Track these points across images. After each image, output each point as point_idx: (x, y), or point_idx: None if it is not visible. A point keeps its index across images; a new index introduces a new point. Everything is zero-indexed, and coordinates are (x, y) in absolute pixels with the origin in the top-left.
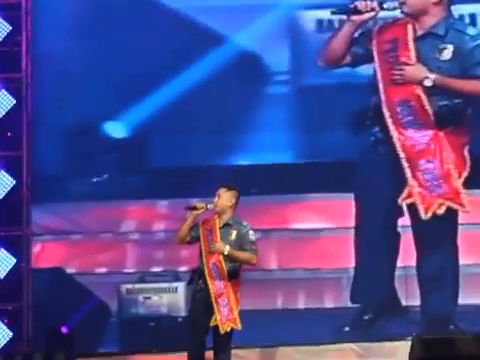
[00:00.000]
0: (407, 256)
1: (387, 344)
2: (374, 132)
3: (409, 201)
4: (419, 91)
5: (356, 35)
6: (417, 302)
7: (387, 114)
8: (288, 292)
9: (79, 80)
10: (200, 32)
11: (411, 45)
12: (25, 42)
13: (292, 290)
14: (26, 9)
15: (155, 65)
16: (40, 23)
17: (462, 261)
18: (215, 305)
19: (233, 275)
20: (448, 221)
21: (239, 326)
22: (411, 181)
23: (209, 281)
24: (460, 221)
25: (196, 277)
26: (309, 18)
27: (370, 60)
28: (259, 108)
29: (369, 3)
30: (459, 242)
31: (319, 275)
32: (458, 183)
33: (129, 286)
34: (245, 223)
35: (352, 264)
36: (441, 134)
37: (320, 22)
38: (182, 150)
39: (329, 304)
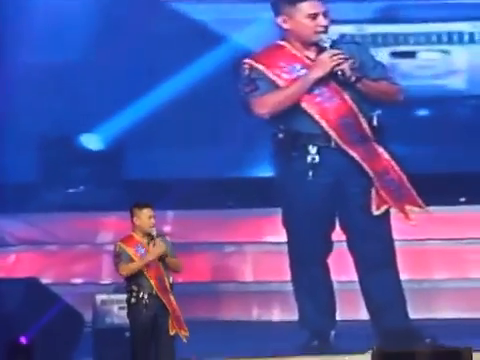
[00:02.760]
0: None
1: (347, 357)
2: (311, 153)
3: (384, 208)
4: (350, 104)
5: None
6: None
7: (332, 133)
8: (263, 304)
9: (52, 91)
10: (183, 41)
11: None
12: None
13: (267, 302)
14: None
15: (132, 77)
16: (12, 33)
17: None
18: (172, 317)
19: (171, 287)
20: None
21: (187, 333)
22: (382, 192)
23: (160, 295)
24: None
25: (140, 295)
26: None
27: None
28: (237, 121)
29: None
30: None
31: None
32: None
33: (104, 297)
34: (162, 234)
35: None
36: (376, 146)
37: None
38: (158, 162)
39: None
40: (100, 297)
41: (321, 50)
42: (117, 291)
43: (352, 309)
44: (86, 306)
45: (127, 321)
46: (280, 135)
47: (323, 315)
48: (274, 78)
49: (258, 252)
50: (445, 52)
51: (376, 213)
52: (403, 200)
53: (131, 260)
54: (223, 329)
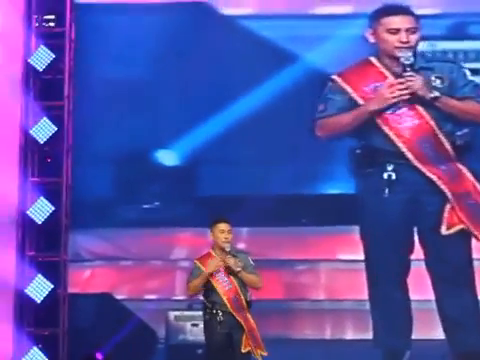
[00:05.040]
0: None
1: None
2: (388, 171)
3: (456, 229)
4: (432, 124)
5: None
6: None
7: (409, 153)
8: (336, 322)
9: (129, 107)
10: (258, 58)
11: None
12: (68, 70)
13: (340, 320)
14: (70, 37)
15: (207, 94)
16: (84, 51)
17: None
18: (247, 335)
19: (249, 305)
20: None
21: (265, 352)
22: (460, 213)
23: (235, 312)
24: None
25: (214, 311)
26: None
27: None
28: (310, 137)
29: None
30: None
31: (367, 306)
32: None
33: (177, 313)
34: (240, 249)
35: None
36: (459, 166)
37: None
38: (233, 178)
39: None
40: (173, 313)
41: (403, 67)
42: (190, 308)
43: (427, 328)
44: (159, 322)
45: (200, 338)
46: (358, 151)
47: (397, 335)
48: (357, 98)
49: (331, 270)
50: None
51: (445, 233)
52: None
53: None
54: (296, 347)
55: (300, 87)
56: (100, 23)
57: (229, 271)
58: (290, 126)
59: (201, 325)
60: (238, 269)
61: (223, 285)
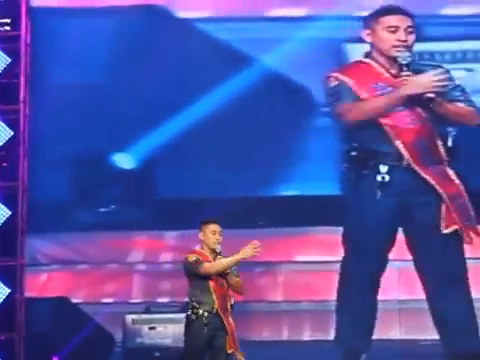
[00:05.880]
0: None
1: None
2: (382, 173)
3: (453, 229)
4: (431, 127)
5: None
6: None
7: (406, 155)
8: (294, 324)
9: (85, 111)
10: (220, 58)
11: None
12: (24, 73)
13: (297, 322)
14: (25, 41)
15: (163, 97)
16: (40, 55)
17: None
18: (230, 337)
19: (232, 307)
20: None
21: (243, 358)
22: (454, 214)
23: (221, 314)
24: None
25: (200, 312)
26: (355, 51)
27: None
28: (267, 140)
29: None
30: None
31: (326, 307)
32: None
33: (135, 316)
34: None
35: None
36: (447, 169)
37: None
38: (190, 181)
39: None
40: (130, 317)
41: (400, 67)
42: (147, 311)
43: (384, 328)
44: (116, 326)
45: (157, 340)
46: (353, 153)
47: (361, 336)
48: (362, 93)
49: (289, 271)
50: (470, 70)
51: (445, 231)
52: (468, 225)
53: None
54: (253, 349)
55: (257, 89)
56: (56, 27)
57: (221, 272)
58: (247, 129)
59: (159, 328)
60: (229, 271)
61: (220, 285)
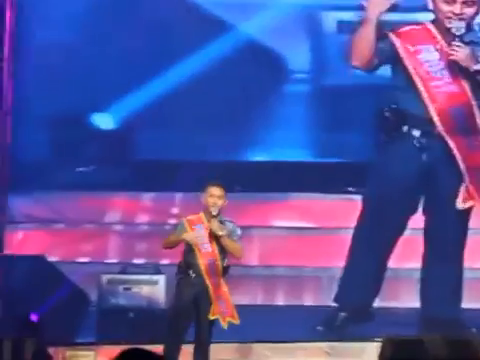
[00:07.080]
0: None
1: (357, 345)
2: (415, 137)
3: (468, 204)
4: (470, 95)
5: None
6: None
7: (437, 119)
8: (268, 288)
9: (64, 71)
10: (200, 22)
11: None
12: (8, 31)
13: (272, 286)
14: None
15: (145, 58)
16: (24, 14)
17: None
18: (214, 300)
19: (225, 272)
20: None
21: (237, 320)
22: (470, 187)
23: (206, 277)
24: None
25: (188, 273)
26: (330, 19)
27: (394, 61)
28: (248, 105)
29: None
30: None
31: (300, 273)
32: None
33: (110, 276)
34: (229, 219)
35: (333, 264)
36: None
37: (341, 23)
38: (169, 143)
39: (308, 302)
40: (106, 277)
41: (453, 37)
42: (123, 271)
43: None
44: (92, 285)
45: (132, 302)
46: (386, 113)
47: (366, 297)
48: (402, 52)
49: (265, 236)
50: None
51: (459, 207)
52: None
53: None
54: None
55: (238, 54)
56: None
57: (212, 235)
58: (227, 93)
59: (134, 289)
60: (220, 233)
61: (202, 247)
